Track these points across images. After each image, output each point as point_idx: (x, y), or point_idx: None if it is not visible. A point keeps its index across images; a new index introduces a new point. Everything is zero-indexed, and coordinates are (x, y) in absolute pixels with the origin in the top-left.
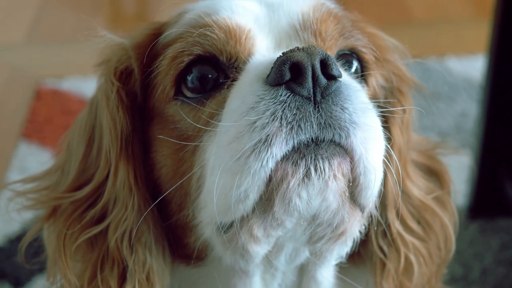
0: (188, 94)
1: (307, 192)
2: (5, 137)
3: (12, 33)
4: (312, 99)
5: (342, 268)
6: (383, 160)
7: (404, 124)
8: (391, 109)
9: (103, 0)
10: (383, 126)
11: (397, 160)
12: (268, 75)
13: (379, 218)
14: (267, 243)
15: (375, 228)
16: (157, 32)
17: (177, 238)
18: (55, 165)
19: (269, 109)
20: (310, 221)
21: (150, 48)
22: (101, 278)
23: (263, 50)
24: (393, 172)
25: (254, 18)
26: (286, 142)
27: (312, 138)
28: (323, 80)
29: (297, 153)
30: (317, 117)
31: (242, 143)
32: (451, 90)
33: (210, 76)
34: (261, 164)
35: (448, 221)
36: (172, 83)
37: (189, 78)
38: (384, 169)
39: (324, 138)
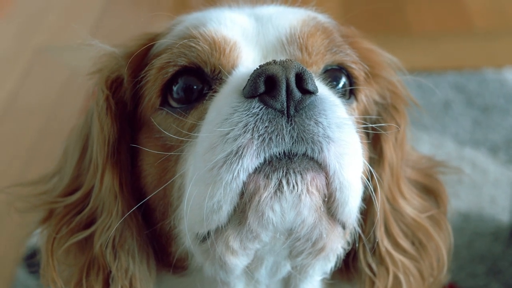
0: (174, 104)
1: (280, 206)
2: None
3: (75, 34)
4: (286, 112)
5: (332, 284)
6: (376, 177)
7: (398, 141)
8: (381, 124)
9: (165, 1)
10: (374, 142)
11: (388, 177)
12: (244, 87)
13: (363, 235)
14: (245, 255)
15: (357, 245)
16: (149, 42)
17: (162, 247)
18: (53, 170)
19: (242, 121)
20: (287, 235)
21: (142, 58)
22: (87, 283)
23: (249, 63)
24: (384, 189)
25: (242, 30)
26: (257, 155)
27: (285, 152)
28: (297, 94)
29: (269, 166)
30: (290, 131)
31: (215, 154)
32: (507, 102)
33: (195, 87)
34: (233, 176)
35: (441, 241)
36: (158, 93)
37: (174, 88)
38: (369, 186)
39: (297, 152)
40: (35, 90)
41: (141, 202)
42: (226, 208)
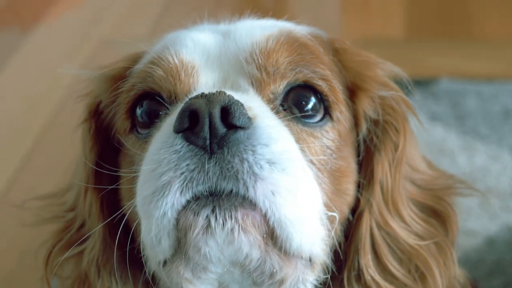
0: (140, 130)
1: (215, 242)
2: None
3: (136, 29)
4: (208, 149)
5: None
6: (365, 201)
7: (396, 161)
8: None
9: None
10: (365, 163)
11: (379, 201)
12: (174, 121)
13: (332, 265)
14: (206, 283)
15: (341, 272)
16: (132, 64)
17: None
18: (69, 184)
19: (166, 157)
20: (240, 267)
21: (121, 80)
22: None
23: (209, 86)
24: (374, 213)
25: (203, 52)
26: (181, 193)
27: (212, 189)
28: (220, 129)
29: (196, 203)
30: (212, 168)
31: (145, 189)
32: None
33: (160, 112)
34: (161, 213)
35: (439, 273)
36: (124, 115)
37: (138, 112)
38: (349, 215)
39: (224, 189)
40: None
41: (106, 222)
42: (166, 242)
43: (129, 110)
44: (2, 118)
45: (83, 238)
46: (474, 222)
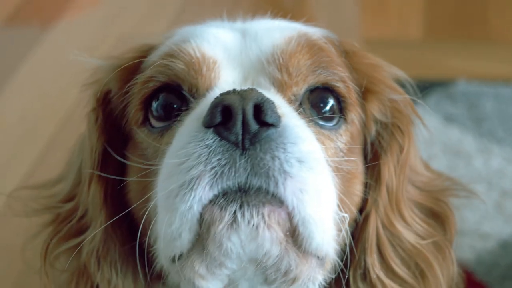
0: (154, 123)
1: (238, 237)
2: None
3: (155, 27)
4: (240, 145)
5: None
6: (372, 202)
7: (400, 163)
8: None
9: None
10: (371, 164)
11: (385, 201)
12: (204, 116)
13: (342, 264)
14: (217, 280)
15: (347, 270)
16: (143, 55)
17: (149, 260)
18: (60, 175)
19: (196, 151)
20: (256, 264)
21: (133, 72)
22: None
23: (229, 83)
24: (380, 214)
25: (224, 48)
26: (210, 187)
27: (240, 185)
28: (253, 126)
29: (224, 198)
30: (243, 164)
31: (170, 183)
32: None
33: (175, 106)
34: (187, 206)
35: (441, 271)
36: (139, 107)
37: (154, 105)
38: (358, 215)
39: (253, 185)
40: None
41: (118, 216)
42: (186, 236)
43: (144, 102)
44: (20, 114)
45: (83, 229)
46: (489, 225)
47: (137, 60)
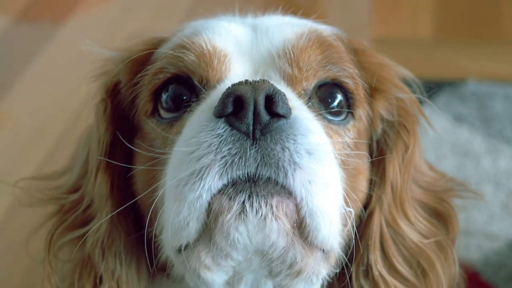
0: (163, 114)
1: (246, 228)
2: None
3: (167, 24)
4: (251, 135)
5: None
6: (377, 199)
7: (405, 162)
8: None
9: None
10: (377, 162)
11: (389, 199)
12: (215, 106)
13: (346, 259)
14: (222, 271)
15: (350, 266)
16: (152, 48)
17: (155, 252)
18: (65, 167)
19: (206, 141)
20: (262, 256)
21: (143, 64)
22: (79, 281)
23: (239, 76)
24: (384, 211)
25: (235, 42)
26: (220, 176)
27: (250, 175)
28: (264, 117)
29: (233, 188)
30: (254, 154)
31: (180, 171)
32: None
33: (184, 97)
34: (196, 195)
35: (442, 271)
36: (149, 98)
37: (164, 96)
38: (362, 212)
39: (262, 175)
40: None
41: (124, 206)
42: (194, 225)
43: (154, 93)
44: (30, 112)
45: (88, 220)
46: (497, 225)
47: (147, 52)
